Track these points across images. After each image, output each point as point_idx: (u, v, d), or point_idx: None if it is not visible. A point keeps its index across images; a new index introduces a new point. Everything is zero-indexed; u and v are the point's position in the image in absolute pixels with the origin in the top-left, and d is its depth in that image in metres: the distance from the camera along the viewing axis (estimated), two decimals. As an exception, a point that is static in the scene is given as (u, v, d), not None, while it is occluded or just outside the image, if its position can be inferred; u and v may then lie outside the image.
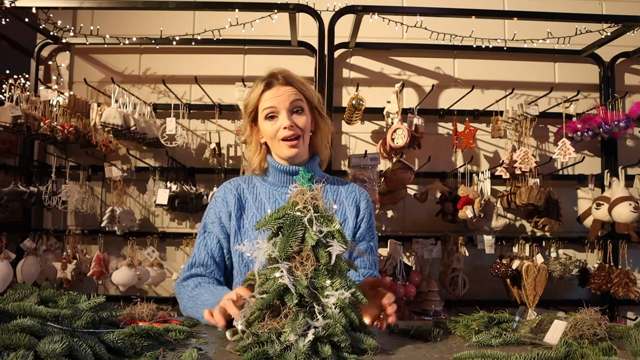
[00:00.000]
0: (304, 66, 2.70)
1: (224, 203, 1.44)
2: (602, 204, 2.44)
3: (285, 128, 1.37)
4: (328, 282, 0.94)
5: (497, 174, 2.54)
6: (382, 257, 2.48)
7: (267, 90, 1.41)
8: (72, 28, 2.58)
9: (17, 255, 2.41)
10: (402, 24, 2.48)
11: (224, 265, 1.42)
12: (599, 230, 2.51)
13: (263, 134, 1.44)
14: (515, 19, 2.45)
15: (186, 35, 2.59)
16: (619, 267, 2.52)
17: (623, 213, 2.34)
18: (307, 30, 2.69)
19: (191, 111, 2.69)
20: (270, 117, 1.40)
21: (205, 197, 2.47)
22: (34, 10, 2.32)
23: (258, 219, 1.39)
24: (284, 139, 1.38)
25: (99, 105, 2.40)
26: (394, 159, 2.44)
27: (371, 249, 1.47)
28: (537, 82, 2.81)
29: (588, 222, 2.54)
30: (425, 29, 2.43)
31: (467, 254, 2.48)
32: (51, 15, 2.47)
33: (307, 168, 1.38)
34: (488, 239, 2.48)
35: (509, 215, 2.67)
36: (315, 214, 0.97)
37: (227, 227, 1.42)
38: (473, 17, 2.39)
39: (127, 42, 2.56)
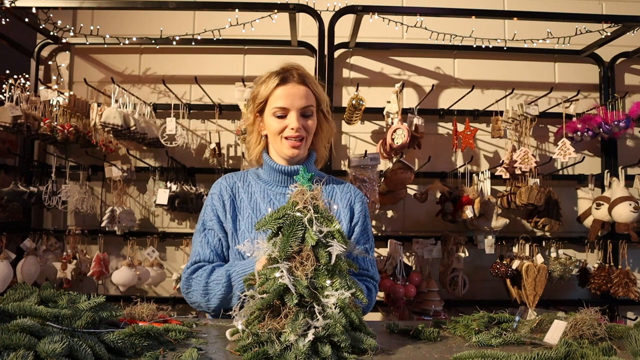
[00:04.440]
0: (303, 66, 2.69)
1: (220, 201, 1.43)
2: (602, 204, 2.44)
3: (292, 129, 1.37)
4: (328, 282, 0.94)
5: (497, 174, 2.54)
6: (382, 257, 2.48)
7: (281, 86, 1.39)
8: (72, 28, 2.58)
9: (17, 255, 2.41)
10: (402, 24, 2.48)
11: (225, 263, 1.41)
12: (599, 230, 2.51)
13: (267, 128, 1.43)
14: (515, 19, 2.45)
15: (186, 35, 2.59)
16: (619, 267, 2.52)
17: (623, 213, 2.34)
18: (307, 30, 2.69)
19: (191, 111, 2.69)
20: (280, 116, 1.39)
21: (205, 197, 2.47)
22: (34, 10, 2.32)
23: (253, 220, 1.40)
24: (288, 138, 1.38)
25: (99, 105, 2.40)
26: (394, 159, 2.44)
27: (366, 251, 1.45)
28: (537, 82, 2.81)
29: (588, 222, 2.54)
30: (425, 29, 2.43)
31: (467, 254, 2.48)
32: (51, 15, 2.47)
33: (305, 167, 1.39)
34: (488, 239, 2.48)
35: (509, 215, 2.67)
36: (316, 214, 0.97)
37: (225, 226, 1.41)
38: (473, 17, 2.39)
39: (127, 42, 2.56)
